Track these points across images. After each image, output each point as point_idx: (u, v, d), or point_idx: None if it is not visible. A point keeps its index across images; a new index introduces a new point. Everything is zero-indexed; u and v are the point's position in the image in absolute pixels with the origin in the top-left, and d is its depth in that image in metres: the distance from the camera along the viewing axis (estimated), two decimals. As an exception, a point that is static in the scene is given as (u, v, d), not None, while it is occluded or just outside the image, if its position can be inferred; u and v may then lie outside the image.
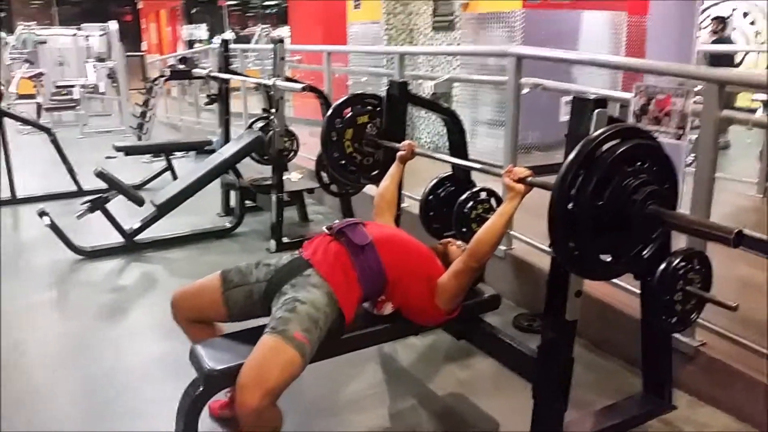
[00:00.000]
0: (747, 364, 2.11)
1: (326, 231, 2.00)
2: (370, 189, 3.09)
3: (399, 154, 2.48)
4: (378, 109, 2.86)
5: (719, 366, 2.18)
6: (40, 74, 10.54)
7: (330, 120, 2.82)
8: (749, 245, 2.90)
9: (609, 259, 1.67)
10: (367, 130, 2.84)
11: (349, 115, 2.83)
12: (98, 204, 3.84)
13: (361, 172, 2.92)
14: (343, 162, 2.87)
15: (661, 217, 1.56)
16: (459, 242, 2.24)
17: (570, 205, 1.54)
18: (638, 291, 2.11)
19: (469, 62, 5.54)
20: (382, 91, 2.83)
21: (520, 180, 1.86)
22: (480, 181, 2.67)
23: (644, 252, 1.68)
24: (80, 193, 5.23)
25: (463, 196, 2.62)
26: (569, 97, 1.92)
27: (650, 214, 1.56)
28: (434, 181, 2.78)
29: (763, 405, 2.05)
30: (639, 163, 1.60)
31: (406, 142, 2.51)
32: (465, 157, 2.80)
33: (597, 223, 1.55)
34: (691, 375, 2.27)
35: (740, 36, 8.38)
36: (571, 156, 1.55)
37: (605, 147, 1.56)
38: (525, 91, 3.09)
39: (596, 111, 1.72)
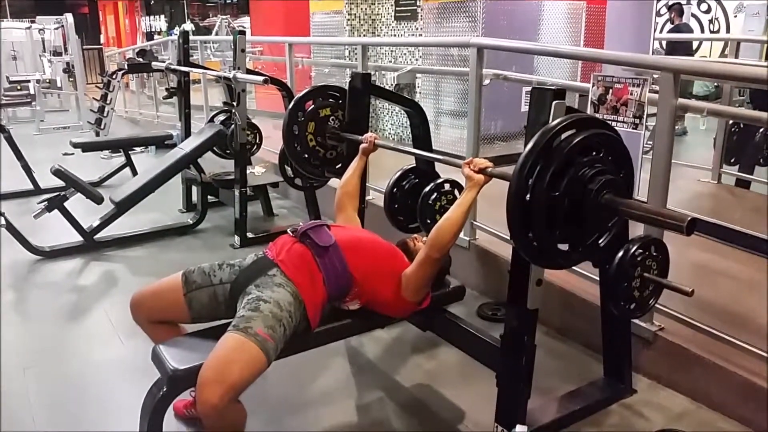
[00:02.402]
0: (704, 347, 2.17)
1: (290, 233, 1.99)
2: (334, 182, 3.07)
3: (361, 146, 2.48)
4: (340, 101, 2.85)
5: (677, 350, 2.23)
6: (-7, 69, 10.20)
7: (291, 113, 2.79)
8: (704, 231, 3.00)
9: (567, 248, 1.69)
10: (330, 123, 2.83)
11: (311, 108, 2.81)
12: (56, 202, 3.74)
13: (325, 165, 2.90)
14: (306, 155, 2.85)
15: (616, 206, 1.58)
16: (425, 239, 2.25)
17: (527, 196, 1.55)
18: (598, 278, 2.16)
19: (432, 53, 5.55)
20: (346, 83, 2.81)
21: (480, 171, 1.87)
22: (444, 172, 2.68)
23: (601, 240, 1.71)
24: (37, 191, 5.11)
25: (427, 188, 2.62)
26: (530, 88, 1.93)
27: (605, 204, 1.58)
28: (398, 173, 2.77)
29: (719, 387, 2.12)
30: (594, 153, 1.63)
31: (367, 135, 2.50)
32: (429, 148, 2.81)
33: (554, 213, 1.57)
34: (650, 359, 2.33)
35: (695, 24, 8.57)
36: (528, 147, 1.56)
37: (562, 138, 1.57)
38: (487, 81, 3.11)
39: (555, 102, 1.74)
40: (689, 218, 1.42)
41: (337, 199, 2.39)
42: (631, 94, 2.28)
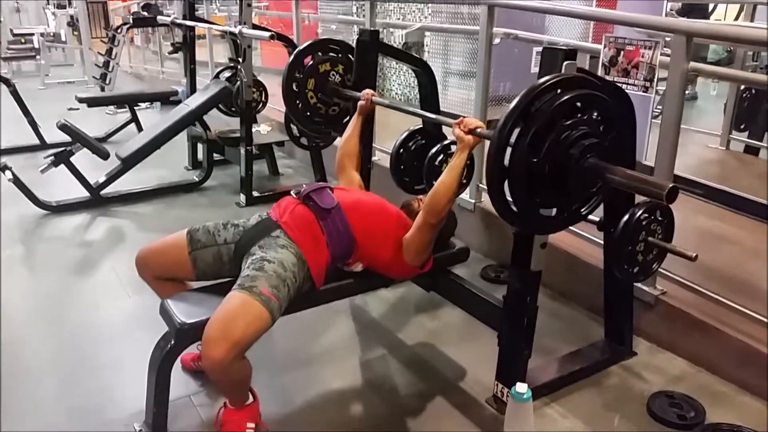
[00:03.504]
0: (704, 312, 2.19)
1: (293, 195, 1.99)
2: (340, 141, 3.06)
3: (359, 104, 2.43)
4: (341, 56, 2.80)
5: (678, 314, 2.25)
6: (-4, 21, 10.10)
7: (291, 68, 2.74)
8: (711, 197, 2.99)
9: (552, 214, 1.65)
10: (330, 79, 2.79)
11: (310, 63, 2.76)
12: (62, 157, 3.75)
13: (328, 122, 2.87)
14: (308, 113, 2.81)
15: (599, 171, 1.53)
16: None
17: (506, 161, 1.50)
18: (602, 241, 2.16)
19: (442, 10, 5.45)
20: (353, 40, 2.76)
21: (470, 131, 1.83)
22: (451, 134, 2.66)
23: (583, 209, 1.68)
24: (43, 146, 5.11)
25: (434, 149, 2.61)
26: (541, 48, 1.90)
27: (588, 168, 1.53)
28: (404, 134, 2.75)
29: (719, 351, 2.14)
30: (580, 115, 1.55)
31: (365, 91, 2.44)
32: (436, 109, 2.77)
33: (533, 179, 1.52)
34: (651, 323, 2.35)
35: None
36: (510, 108, 1.50)
37: (545, 98, 1.51)
38: (497, 41, 3.06)
39: (566, 63, 1.71)
40: (670, 186, 1.37)
41: (337, 160, 2.37)
42: (643, 56, 2.25)
